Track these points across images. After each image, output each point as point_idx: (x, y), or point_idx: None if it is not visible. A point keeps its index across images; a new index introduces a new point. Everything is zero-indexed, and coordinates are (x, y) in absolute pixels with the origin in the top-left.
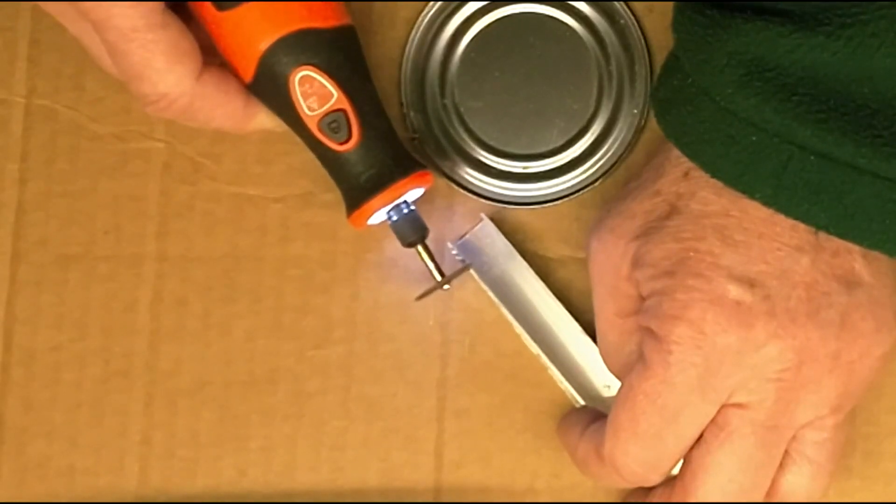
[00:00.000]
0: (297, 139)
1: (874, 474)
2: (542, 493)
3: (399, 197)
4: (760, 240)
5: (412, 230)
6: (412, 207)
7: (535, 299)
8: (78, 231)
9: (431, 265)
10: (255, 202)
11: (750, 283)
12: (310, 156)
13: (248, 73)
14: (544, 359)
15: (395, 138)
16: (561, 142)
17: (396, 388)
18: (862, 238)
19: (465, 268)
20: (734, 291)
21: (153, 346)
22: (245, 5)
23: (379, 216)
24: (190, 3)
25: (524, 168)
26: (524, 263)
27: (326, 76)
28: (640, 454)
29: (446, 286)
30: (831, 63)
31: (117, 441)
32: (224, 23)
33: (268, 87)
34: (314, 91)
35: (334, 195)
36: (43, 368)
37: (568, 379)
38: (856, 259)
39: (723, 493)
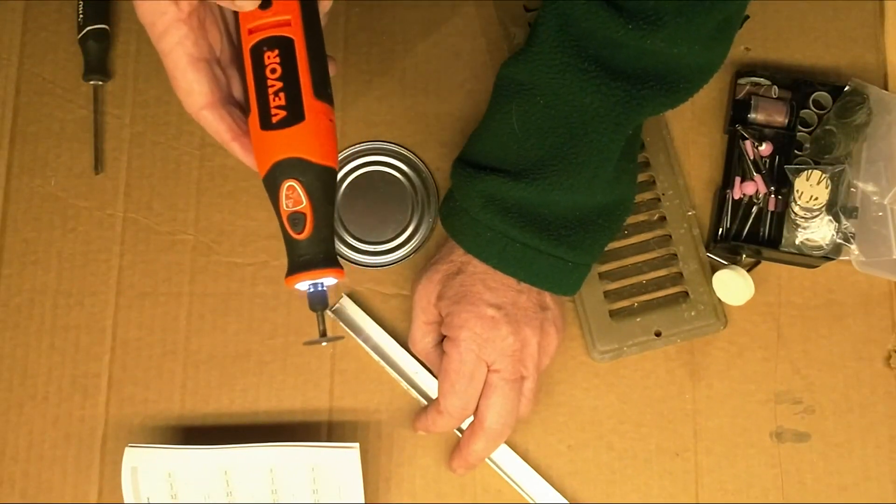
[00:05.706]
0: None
1: (546, 401)
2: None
3: (316, 279)
4: (501, 286)
5: (318, 303)
6: (324, 288)
7: (377, 336)
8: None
9: (321, 327)
10: (240, 266)
11: (498, 307)
12: (269, 244)
13: (263, 171)
14: (392, 373)
15: (331, 243)
16: (393, 235)
17: (309, 364)
18: (542, 286)
19: (340, 338)
20: (490, 311)
21: (189, 337)
22: (275, 132)
23: (302, 285)
24: (249, 118)
25: (374, 248)
26: (369, 319)
27: (303, 190)
28: (457, 402)
29: (324, 343)
30: (529, 197)
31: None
32: (259, 138)
33: (269, 183)
34: (293, 196)
35: (280, 264)
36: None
37: (404, 378)
38: (545, 295)
39: (498, 417)
